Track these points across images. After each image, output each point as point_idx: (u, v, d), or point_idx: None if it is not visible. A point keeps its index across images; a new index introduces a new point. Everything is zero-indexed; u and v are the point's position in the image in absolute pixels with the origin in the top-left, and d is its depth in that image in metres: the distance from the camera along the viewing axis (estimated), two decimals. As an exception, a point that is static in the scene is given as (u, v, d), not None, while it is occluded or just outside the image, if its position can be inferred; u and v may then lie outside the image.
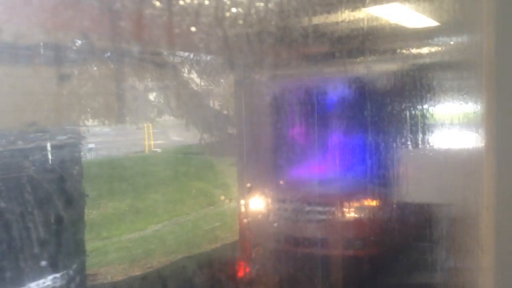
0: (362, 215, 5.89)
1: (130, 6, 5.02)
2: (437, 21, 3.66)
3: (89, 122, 6.84)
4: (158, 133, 13.42)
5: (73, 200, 4.00)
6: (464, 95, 1.93)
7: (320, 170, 6.13)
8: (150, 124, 12.51)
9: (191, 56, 5.97)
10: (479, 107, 1.47)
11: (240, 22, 4.99)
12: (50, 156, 4.12)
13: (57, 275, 3.62)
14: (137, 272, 6.13)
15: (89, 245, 7.30)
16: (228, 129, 6.89)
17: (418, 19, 4.37)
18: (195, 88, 7.07)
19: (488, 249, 1.25)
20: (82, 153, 4.83)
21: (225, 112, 8.32)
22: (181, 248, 6.84)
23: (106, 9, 4.98)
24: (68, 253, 3.85)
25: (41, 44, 4.66)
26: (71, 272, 3.84)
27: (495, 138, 1.22)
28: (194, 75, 6.75)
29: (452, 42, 2.20)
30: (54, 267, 3.56)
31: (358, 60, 5.68)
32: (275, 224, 5.97)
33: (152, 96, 6.74)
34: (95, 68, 5.81)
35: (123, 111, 5.88)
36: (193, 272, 5.72)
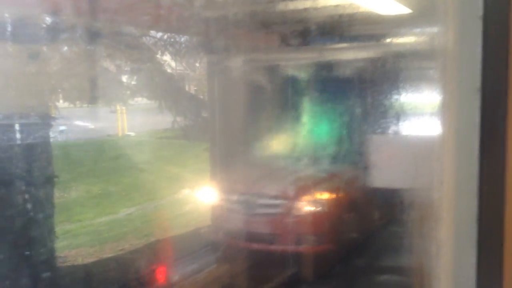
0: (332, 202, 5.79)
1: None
2: (404, 8, 3.69)
3: (60, 104, 6.73)
4: (132, 116, 13.27)
5: (40, 181, 3.93)
6: (427, 82, 1.95)
7: (289, 155, 6.11)
8: (124, 108, 12.37)
9: (165, 37, 5.89)
10: (440, 92, 1.49)
11: (216, 3, 4.94)
12: (18, 136, 4.03)
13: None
14: (108, 254, 6.10)
15: (60, 228, 7.23)
16: (202, 112, 6.84)
17: (388, 6, 4.40)
18: (169, 71, 6.99)
19: (448, 228, 1.28)
20: (51, 135, 4.73)
21: (198, 95, 8.27)
22: (153, 231, 6.81)
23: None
24: (36, 235, 3.80)
25: (9, 21, 4.53)
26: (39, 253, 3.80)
27: (455, 121, 1.25)
28: (168, 57, 6.67)
29: (415, 31, 2.22)
30: (20, 247, 3.51)
31: (329, 45, 5.72)
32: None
33: (125, 78, 6.64)
34: (66, 48, 5.68)
35: (94, 93, 5.78)
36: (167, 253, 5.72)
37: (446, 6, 1.28)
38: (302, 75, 5.97)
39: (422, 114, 2.06)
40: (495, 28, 1.23)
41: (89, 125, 11.98)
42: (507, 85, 1.21)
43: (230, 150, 6.09)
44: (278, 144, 6.30)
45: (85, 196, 9.47)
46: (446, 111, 1.31)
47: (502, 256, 1.18)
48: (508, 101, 1.21)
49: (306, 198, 5.61)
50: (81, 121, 11.97)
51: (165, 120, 8.58)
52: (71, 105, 6.02)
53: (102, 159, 10.74)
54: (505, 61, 1.21)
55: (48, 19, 5.40)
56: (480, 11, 1.21)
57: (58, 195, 9.05)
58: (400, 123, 3.58)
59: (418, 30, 2.15)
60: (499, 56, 1.22)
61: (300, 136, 6.16)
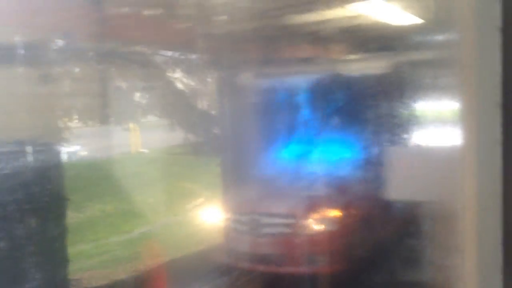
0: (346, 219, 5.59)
1: (114, 5, 4.95)
2: (417, 18, 3.63)
3: (73, 124, 6.75)
4: (145, 133, 13.31)
5: (52, 205, 3.90)
6: (445, 93, 1.90)
7: (303, 169, 5.95)
8: (137, 125, 12.42)
9: (176, 55, 5.89)
10: (459, 105, 1.44)
11: (224, 21, 4.93)
12: (30, 159, 4.02)
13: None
14: (122, 276, 6.04)
15: (74, 249, 7.19)
16: (214, 129, 6.81)
17: (399, 16, 4.35)
18: (181, 87, 6.99)
19: (470, 248, 1.24)
20: (62, 156, 4.72)
21: (210, 111, 8.25)
22: (168, 250, 6.75)
23: (89, 8, 4.91)
24: (48, 260, 3.76)
25: (22, 44, 4.57)
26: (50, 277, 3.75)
27: (476, 136, 1.21)
28: (178, 75, 6.67)
29: (433, 40, 2.17)
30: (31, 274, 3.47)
31: (340, 58, 5.66)
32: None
33: (136, 97, 6.65)
34: (78, 69, 5.71)
35: (107, 112, 5.79)
36: (180, 274, 5.62)
37: (465, 17, 1.23)
38: (313, 87, 5.91)
39: (440, 126, 2.00)
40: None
41: (103, 143, 12.01)
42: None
43: (240, 166, 6.03)
44: (288, 159, 6.16)
45: (100, 215, 9.46)
46: (467, 125, 1.25)
47: None
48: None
49: (316, 215, 5.41)
50: (95, 139, 12.01)
51: (178, 136, 8.56)
52: (83, 125, 6.03)
53: (116, 177, 10.73)
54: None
55: (60, 41, 5.44)
56: (498, 22, 1.15)
57: (72, 215, 9.06)
58: (416, 135, 3.51)
59: (435, 41, 2.09)
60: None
61: (311, 150, 6.02)
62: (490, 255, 1.15)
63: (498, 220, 1.16)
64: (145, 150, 13.24)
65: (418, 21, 3.69)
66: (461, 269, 1.35)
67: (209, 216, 6.01)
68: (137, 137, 13.49)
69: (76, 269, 5.94)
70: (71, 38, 5.29)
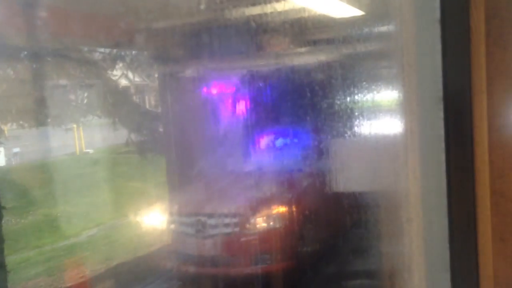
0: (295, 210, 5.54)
1: (46, 1, 4.70)
2: (359, 11, 3.64)
3: (7, 126, 6.40)
4: (88, 133, 12.90)
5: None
6: (388, 84, 1.90)
7: (247, 166, 5.88)
8: (80, 125, 11.99)
9: (114, 52, 5.68)
10: (401, 95, 1.44)
11: (165, 14, 4.79)
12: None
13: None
14: (68, 283, 5.81)
15: (17, 257, 6.89)
16: (158, 126, 6.65)
17: (340, 8, 4.36)
18: (120, 86, 6.76)
19: (418, 229, 1.25)
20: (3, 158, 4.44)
21: (153, 109, 8.07)
22: (116, 254, 6.56)
23: (20, 5, 4.64)
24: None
25: None
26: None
27: (417, 124, 1.20)
28: (118, 72, 6.45)
29: (373, 31, 2.17)
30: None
31: (284, 51, 5.63)
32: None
33: (75, 96, 6.38)
34: (10, 69, 5.41)
35: (44, 113, 5.52)
36: (128, 279, 5.46)
37: (403, 9, 1.19)
38: (258, 81, 5.86)
39: (384, 116, 2.00)
40: (454, 32, 1.13)
41: (45, 145, 11.57)
42: (471, 92, 1.13)
43: (185, 165, 5.91)
44: (233, 156, 6.06)
45: (44, 220, 9.11)
46: (408, 116, 1.23)
47: (477, 255, 1.15)
48: (473, 109, 1.12)
49: (261, 213, 5.32)
50: (37, 141, 11.55)
51: (121, 135, 8.34)
52: (19, 127, 5.73)
53: (60, 179, 10.36)
54: (468, 67, 1.12)
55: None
56: (437, 14, 1.11)
57: (14, 222, 8.69)
58: (361, 126, 3.52)
59: (377, 33, 2.08)
60: (460, 61, 1.13)
61: (257, 146, 5.97)
62: (436, 240, 1.16)
63: (444, 217, 1.15)
64: (90, 151, 12.83)
65: (360, 13, 3.69)
66: (409, 255, 1.36)
67: (157, 218, 5.85)
68: (81, 138, 13.05)
69: (19, 278, 5.68)
70: (1, 37, 4.99)
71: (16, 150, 12.07)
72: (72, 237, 8.16)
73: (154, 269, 5.52)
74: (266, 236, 5.20)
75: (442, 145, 1.14)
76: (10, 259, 5.89)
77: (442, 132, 1.14)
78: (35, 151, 11.55)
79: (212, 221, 5.28)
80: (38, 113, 5.42)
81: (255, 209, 5.30)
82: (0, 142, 5.16)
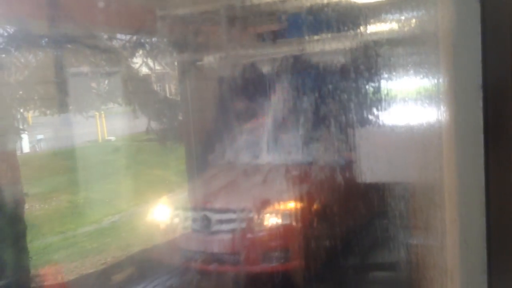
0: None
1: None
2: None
3: (30, 113, 6.46)
4: (110, 120, 13.00)
5: (7, 200, 3.67)
6: (421, 70, 1.81)
7: (264, 157, 5.60)
8: (103, 112, 12.09)
9: (135, 39, 5.65)
10: (436, 81, 1.36)
11: (185, 1, 4.73)
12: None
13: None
14: (89, 269, 5.86)
15: (41, 242, 6.99)
16: (177, 115, 6.62)
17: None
18: (140, 73, 6.74)
19: (451, 224, 1.21)
20: (19, 147, 4.47)
21: (172, 97, 8.04)
22: (137, 240, 6.59)
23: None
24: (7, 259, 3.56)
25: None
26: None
27: (454, 113, 1.13)
28: (138, 60, 6.43)
29: (407, 17, 2.07)
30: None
31: (310, 38, 5.49)
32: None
33: (95, 84, 6.39)
34: (32, 56, 5.42)
35: (66, 100, 5.53)
36: (148, 266, 5.45)
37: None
38: (278, 70, 5.72)
39: (415, 105, 1.91)
40: (495, 13, 1.03)
41: (69, 132, 11.70)
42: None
43: (202, 155, 5.82)
44: (249, 145, 5.83)
45: (67, 206, 9.23)
46: (445, 99, 1.15)
47: None
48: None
49: (271, 208, 5.02)
50: (60, 128, 11.69)
51: (142, 123, 8.37)
52: (41, 114, 5.77)
53: (83, 166, 10.47)
54: (509, 53, 1.02)
55: (11, 27, 5.14)
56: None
57: (39, 207, 8.82)
58: (390, 115, 3.41)
59: (409, 15, 1.98)
60: (501, 46, 1.03)
61: (276, 136, 5.73)
62: (472, 237, 1.10)
63: (481, 205, 1.08)
64: (112, 138, 12.95)
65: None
66: (442, 246, 1.33)
67: (171, 208, 5.71)
68: (103, 125, 13.17)
69: (42, 263, 5.75)
70: (22, 24, 5.00)
71: (40, 137, 12.26)
72: (95, 224, 8.25)
73: (163, 263, 5.40)
74: (274, 233, 4.93)
75: (481, 136, 1.07)
76: (34, 244, 5.98)
77: (481, 122, 1.06)
78: (59, 138, 11.70)
79: (218, 216, 5.05)
80: (60, 101, 5.43)
81: (264, 205, 5.02)
82: (24, 129, 5.18)
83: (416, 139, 1.98)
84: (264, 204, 5.02)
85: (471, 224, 1.09)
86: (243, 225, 4.98)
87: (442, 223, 1.33)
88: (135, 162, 10.86)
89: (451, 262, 1.24)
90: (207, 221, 5.04)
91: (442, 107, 1.29)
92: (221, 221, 5.03)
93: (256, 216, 4.97)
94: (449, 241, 1.25)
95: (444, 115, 1.25)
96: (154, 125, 6.38)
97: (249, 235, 4.95)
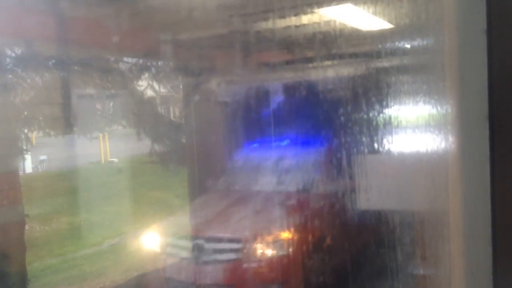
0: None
1: (75, 11, 4.74)
2: (395, 23, 3.54)
3: (34, 134, 6.49)
4: (113, 142, 13.04)
5: (7, 222, 3.65)
6: (427, 99, 1.82)
7: (263, 182, 5.44)
8: (106, 134, 12.14)
9: (140, 62, 5.71)
10: (442, 111, 1.36)
11: (191, 26, 4.78)
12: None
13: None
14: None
15: (40, 264, 6.93)
16: (181, 138, 6.64)
17: (375, 21, 4.27)
18: (145, 96, 6.80)
19: (457, 255, 1.18)
20: (21, 168, 4.47)
21: (176, 120, 8.08)
22: (137, 264, 6.52)
23: (50, 14, 4.69)
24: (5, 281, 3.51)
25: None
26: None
27: (460, 141, 1.13)
28: (144, 83, 6.49)
29: (412, 45, 2.09)
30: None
31: (314, 64, 5.53)
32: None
33: (100, 105, 6.44)
34: (38, 77, 5.47)
35: (70, 121, 5.56)
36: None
37: (446, 20, 1.11)
38: (283, 95, 5.74)
39: (423, 130, 1.91)
40: (501, 43, 1.04)
41: (71, 153, 11.72)
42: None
43: (203, 178, 5.76)
44: (251, 171, 5.71)
45: (67, 228, 9.18)
46: (452, 128, 1.15)
47: None
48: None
49: (267, 239, 4.77)
50: (63, 149, 11.72)
51: (145, 145, 8.39)
52: (46, 135, 5.78)
53: (85, 187, 10.47)
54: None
55: (18, 48, 5.20)
56: (483, 24, 1.02)
57: (38, 229, 8.78)
58: (392, 142, 3.41)
59: (413, 46, 2.00)
60: (507, 75, 1.04)
61: (279, 161, 5.62)
62: (479, 261, 1.08)
63: (487, 226, 1.07)
64: (115, 159, 12.96)
65: (393, 26, 3.60)
66: (449, 277, 1.29)
67: (162, 237, 5.49)
68: (106, 147, 13.20)
69: (40, 285, 5.69)
70: (30, 45, 5.05)
71: (43, 157, 12.28)
72: (94, 246, 8.19)
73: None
74: (271, 264, 4.71)
75: (487, 166, 1.05)
76: (33, 266, 5.93)
77: (487, 152, 1.05)
78: (61, 159, 11.72)
79: (210, 246, 4.82)
80: (65, 122, 5.46)
81: (260, 234, 4.81)
82: (27, 149, 5.19)
83: (422, 168, 1.98)
84: (258, 233, 4.82)
85: (478, 255, 1.07)
86: (236, 255, 4.74)
87: (448, 254, 1.30)
88: (136, 184, 10.84)
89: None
90: (198, 250, 4.80)
91: (448, 137, 1.29)
92: (213, 251, 4.80)
93: (249, 247, 4.75)
94: (456, 272, 1.22)
95: (451, 144, 1.25)
96: (157, 147, 6.39)
97: (242, 266, 4.72)
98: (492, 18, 1.04)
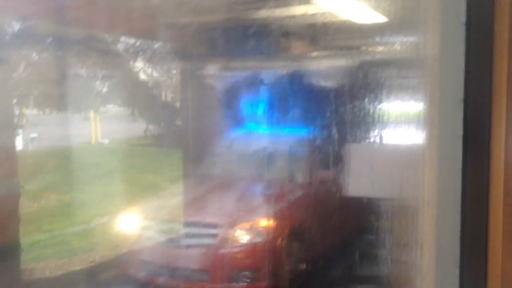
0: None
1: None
2: (382, 18, 3.66)
3: (29, 111, 6.53)
4: (105, 123, 13.04)
5: (4, 193, 3.74)
6: (409, 92, 1.92)
7: (251, 169, 5.49)
8: (97, 115, 12.14)
9: (137, 44, 5.76)
10: (421, 105, 1.47)
11: (190, 11, 4.85)
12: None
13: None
14: (77, 266, 5.90)
15: (28, 239, 7.00)
16: (176, 120, 6.70)
17: (364, 15, 4.37)
18: (144, 77, 6.85)
19: (428, 245, 1.26)
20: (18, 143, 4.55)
21: (172, 103, 8.13)
22: (125, 242, 6.63)
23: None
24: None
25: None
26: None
27: (437, 134, 1.21)
28: (141, 64, 6.55)
29: (397, 40, 2.19)
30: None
31: (306, 54, 5.64)
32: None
33: (96, 85, 6.48)
34: (35, 55, 5.51)
35: (66, 100, 5.61)
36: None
37: (428, 13, 1.23)
38: (276, 83, 5.83)
39: (401, 124, 2.02)
40: (479, 35, 1.16)
41: (62, 132, 11.71)
42: (491, 95, 1.16)
43: (195, 162, 5.83)
44: (240, 156, 5.75)
45: (56, 205, 9.23)
46: (429, 121, 1.26)
47: (486, 271, 1.15)
48: (492, 111, 1.15)
49: (244, 225, 4.77)
50: (54, 128, 11.70)
51: (140, 127, 8.42)
52: (40, 112, 5.83)
53: (75, 167, 10.48)
54: (489, 70, 1.15)
55: (16, 25, 5.23)
56: (463, 17, 1.14)
57: (28, 204, 8.82)
58: (375, 133, 3.52)
59: (398, 38, 2.11)
60: (482, 64, 1.16)
61: (269, 146, 5.66)
62: (447, 250, 1.17)
63: (457, 216, 1.18)
64: (105, 141, 12.97)
65: (383, 19, 3.72)
66: (419, 264, 1.37)
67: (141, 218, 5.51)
68: (97, 127, 13.20)
69: (30, 259, 5.78)
70: (29, 22, 5.09)
71: (34, 135, 12.25)
72: (83, 224, 8.26)
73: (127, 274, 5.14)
74: (248, 251, 4.70)
75: (460, 144, 1.16)
76: (22, 241, 6.00)
77: (460, 132, 1.16)
78: (52, 137, 11.69)
79: (187, 230, 4.84)
80: (60, 99, 5.52)
81: (237, 221, 4.82)
82: (21, 125, 5.25)
83: (401, 157, 2.06)
84: (236, 220, 4.81)
85: (446, 244, 1.17)
86: (212, 241, 4.73)
87: (420, 241, 1.37)
88: (126, 166, 10.88)
89: (427, 268, 1.29)
90: (175, 234, 4.84)
91: (426, 122, 1.39)
92: (189, 235, 4.81)
93: (226, 232, 4.75)
94: (426, 260, 1.30)
95: (429, 129, 1.35)
96: (152, 128, 6.46)
97: (217, 252, 4.70)
98: (470, 12, 1.16)
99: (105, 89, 6.57)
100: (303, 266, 4.92)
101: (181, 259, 4.73)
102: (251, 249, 4.68)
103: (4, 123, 4.06)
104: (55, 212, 8.78)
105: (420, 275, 1.35)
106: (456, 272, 1.17)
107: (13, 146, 4.22)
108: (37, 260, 6.16)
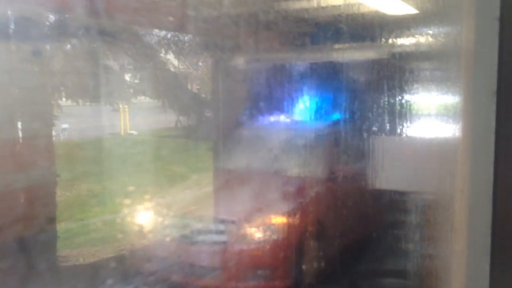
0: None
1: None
2: (416, 9, 3.65)
3: (63, 102, 6.70)
4: (135, 115, 13.24)
5: (43, 180, 3.88)
6: (442, 85, 1.93)
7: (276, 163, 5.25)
8: (127, 106, 12.34)
9: (169, 36, 5.86)
10: (456, 97, 1.48)
11: (219, 3, 4.91)
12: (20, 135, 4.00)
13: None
14: (110, 254, 6.06)
15: (61, 227, 7.21)
16: (206, 112, 6.78)
17: (398, 6, 4.35)
18: (173, 69, 6.95)
19: (461, 233, 1.27)
20: (54, 133, 4.69)
21: (202, 95, 8.23)
22: (155, 232, 6.77)
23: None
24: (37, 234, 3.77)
25: (14, 18, 4.51)
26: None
27: (471, 126, 1.23)
28: (171, 56, 6.64)
29: (431, 32, 2.20)
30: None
31: (337, 46, 5.61)
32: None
33: (127, 77, 6.61)
34: (69, 46, 5.65)
35: (98, 91, 5.75)
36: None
37: (463, 7, 1.26)
38: (306, 75, 5.82)
39: (437, 115, 2.03)
40: (512, 30, 1.19)
41: (92, 123, 11.95)
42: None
43: (229, 152, 5.84)
44: (269, 149, 5.56)
45: (87, 194, 9.44)
46: (461, 114, 1.29)
47: None
48: (525, 105, 1.18)
49: (261, 221, 4.58)
50: (84, 119, 11.95)
51: (168, 119, 8.53)
52: (74, 103, 5.99)
53: (104, 157, 10.68)
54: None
55: (52, 17, 5.37)
56: (497, 12, 1.17)
57: (59, 194, 9.06)
58: (408, 125, 3.52)
59: (433, 31, 2.12)
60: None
61: (299, 139, 5.61)
62: (479, 238, 1.19)
63: (489, 205, 1.19)
64: (134, 132, 13.19)
65: (415, 11, 3.70)
66: (450, 257, 1.41)
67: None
68: (126, 118, 13.42)
69: (63, 246, 5.96)
70: (64, 15, 5.22)
71: (65, 126, 12.54)
72: (113, 213, 8.44)
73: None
74: (259, 248, 4.51)
75: (493, 136, 1.18)
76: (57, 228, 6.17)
77: (493, 124, 1.18)
78: (82, 129, 11.95)
79: (200, 226, 4.71)
80: (93, 91, 5.65)
81: (253, 218, 4.62)
82: (56, 116, 5.41)
83: (432, 152, 2.06)
84: (252, 216, 4.64)
85: (478, 233, 1.19)
86: (226, 238, 4.59)
87: (451, 236, 1.40)
88: (154, 157, 11.05)
89: (457, 274, 1.33)
90: (189, 230, 4.71)
91: (460, 116, 1.41)
92: (203, 231, 4.69)
93: (242, 229, 4.60)
94: (457, 254, 1.33)
95: (462, 122, 1.37)
96: (183, 120, 6.55)
97: (233, 249, 4.54)
98: (505, 6, 1.18)
99: (136, 81, 6.70)
100: (322, 265, 4.76)
101: (192, 255, 4.63)
102: (266, 247, 4.50)
103: (43, 113, 4.20)
104: (86, 201, 9.00)
105: (453, 262, 1.38)
106: (487, 259, 1.20)
107: (50, 136, 4.36)
108: (70, 247, 6.34)
